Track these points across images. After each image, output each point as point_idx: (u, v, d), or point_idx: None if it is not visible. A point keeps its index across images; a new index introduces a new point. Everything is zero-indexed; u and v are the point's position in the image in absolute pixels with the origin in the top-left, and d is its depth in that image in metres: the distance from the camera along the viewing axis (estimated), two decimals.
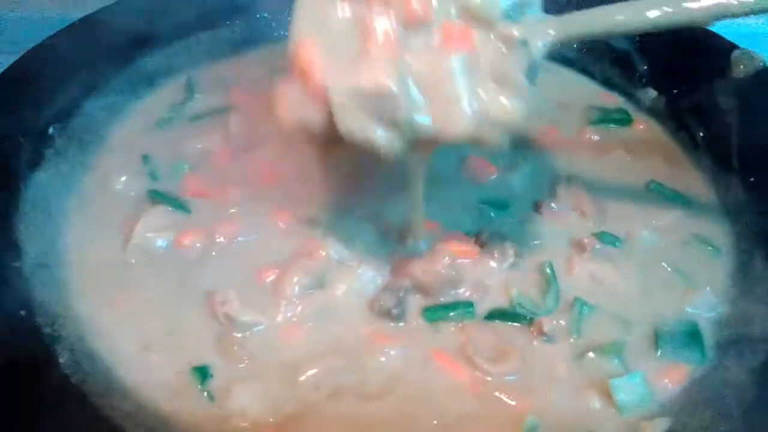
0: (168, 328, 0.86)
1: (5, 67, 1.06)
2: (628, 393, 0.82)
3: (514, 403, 0.82)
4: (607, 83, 1.38)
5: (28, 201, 0.97)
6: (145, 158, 1.10)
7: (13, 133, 1.02)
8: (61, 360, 0.79)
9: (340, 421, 0.79)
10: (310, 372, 0.83)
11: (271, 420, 0.78)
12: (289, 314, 0.88)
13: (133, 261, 0.94)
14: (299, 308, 0.89)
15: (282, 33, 1.40)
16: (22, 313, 0.82)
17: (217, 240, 0.96)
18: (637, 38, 1.35)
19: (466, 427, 0.80)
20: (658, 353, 0.88)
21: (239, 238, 0.97)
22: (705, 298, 0.95)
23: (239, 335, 0.86)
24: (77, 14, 1.20)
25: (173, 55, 1.30)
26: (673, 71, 1.30)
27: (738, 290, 0.98)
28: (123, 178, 1.06)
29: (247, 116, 1.17)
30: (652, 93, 1.33)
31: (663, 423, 0.80)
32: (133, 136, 1.15)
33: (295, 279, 0.89)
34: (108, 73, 1.20)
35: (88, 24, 1.18)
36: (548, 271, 0.94)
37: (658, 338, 0.89)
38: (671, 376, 0.86)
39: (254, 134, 1.13)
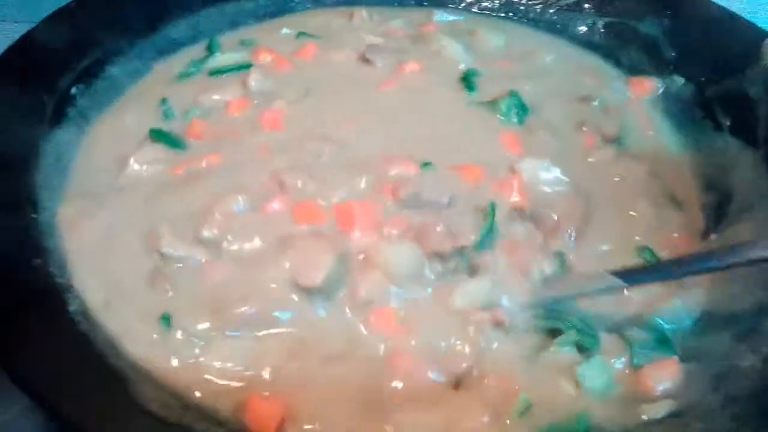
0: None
1: None
2: (594, 378, 0.81)
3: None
4: (634, 69, 1.36)
5: (48, 157, 0.98)
6: (163, 101, 1.12)
7: (36, 92, 1.03)
8: (70, 308, 0.80)
9: None
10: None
11: None
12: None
13: (124, 188, 0.97)
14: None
15: (307, 6, 1.42)
16: (38, 261, 0.84)
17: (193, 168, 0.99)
18: (666, 24, 1.33)
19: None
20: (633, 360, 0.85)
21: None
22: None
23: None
24: None
25: (197, 24, 1.30)
26: (702, 59, 1.27)
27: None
28: (134, 117, 1.09)
29: (269, 72, 1.19)
30: (679, 80, 1.30)
31: (666, 405, 0.79)
32: (153, 86, 1.18)
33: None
34: (132, 39, 1.21)
35: None
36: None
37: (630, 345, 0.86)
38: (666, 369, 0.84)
39: (272, 90, 1.14)
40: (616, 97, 1.28)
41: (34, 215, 0.90)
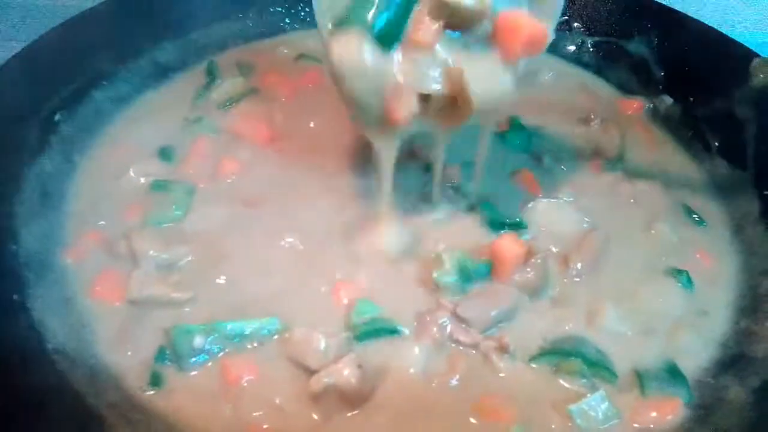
0: None
1: None
2: (588, 417, 0.80)
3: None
4: (623, 88, 1.36)
5: (29, 185, 0.97)
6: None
7: (19, 118, 1.02)
8: (48, 346, 0.79)
9: None
10: None
11: None
12: None
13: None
14: None
15: (295, 26, 1.41)
16: (15, 297, 0.83)
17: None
18: (655, 43, 1.33)
19: None
20: (643, 391, 0.84)
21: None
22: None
23: None
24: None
25: (186, 46, 1.29)
26: (691, 79, 1.27)
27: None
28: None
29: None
30: (668, 100, 1.30)
31: None
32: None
33: None
34: (118, 63, 1.20)
35: (98, 14, 1.18)
36: None
37: (641, 378, 0.85)
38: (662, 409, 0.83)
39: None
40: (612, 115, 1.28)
41: (14, 246, 0.88)
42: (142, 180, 1.03)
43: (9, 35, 1.43)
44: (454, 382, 0.82)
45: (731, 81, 1.17)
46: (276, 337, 0.83)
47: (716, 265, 1.02)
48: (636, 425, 0.81)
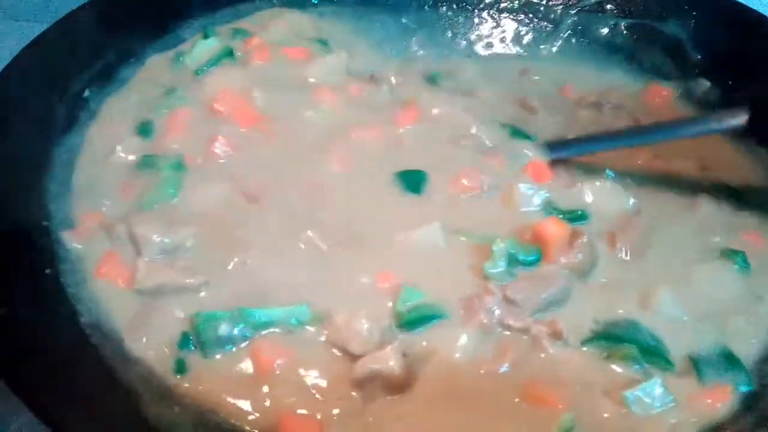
0: None
1: None
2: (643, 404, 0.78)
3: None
4: (657, 72, 1.32)
5: (60, 162, 0.97)
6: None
7: (49, 94, 1.01)
8: (82, 319, 0.78)
9: None
10: None
11: None
12: None
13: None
14: None
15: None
16: (48, 271, 0.82)
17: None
18: (691, 25, 1.29)
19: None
20: (701, 378, 0.82)
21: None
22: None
23: None
24: None
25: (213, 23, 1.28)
26: (730, 61, 1.23)
27: None
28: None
29: None
30: (704, 84, 1.27)
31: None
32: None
33: None
34: (144, 40, 1.19)
35: None
36: None
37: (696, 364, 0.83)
38: (715, 398, 0.81)
39: None
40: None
41: (45, 223, 0.88)
42: (130, 158, 0.99)
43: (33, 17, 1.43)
44: (502, 369, 0.79)
45: None
46: (308, 326, 0.81)
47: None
48: (690, 412, 0.78)
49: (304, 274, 0.86)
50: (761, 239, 1.00)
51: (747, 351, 0.86)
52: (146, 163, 0.98)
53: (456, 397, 0.77)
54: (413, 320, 0.82)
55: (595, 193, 1.01)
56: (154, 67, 1.17)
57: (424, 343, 0.81)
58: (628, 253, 0.94)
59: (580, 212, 0.98)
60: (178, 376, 0.76)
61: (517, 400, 0.77)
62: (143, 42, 1.18)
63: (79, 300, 0.81)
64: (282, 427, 0.73)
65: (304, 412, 0.74)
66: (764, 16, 1.22)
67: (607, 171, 1.06)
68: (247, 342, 0.79)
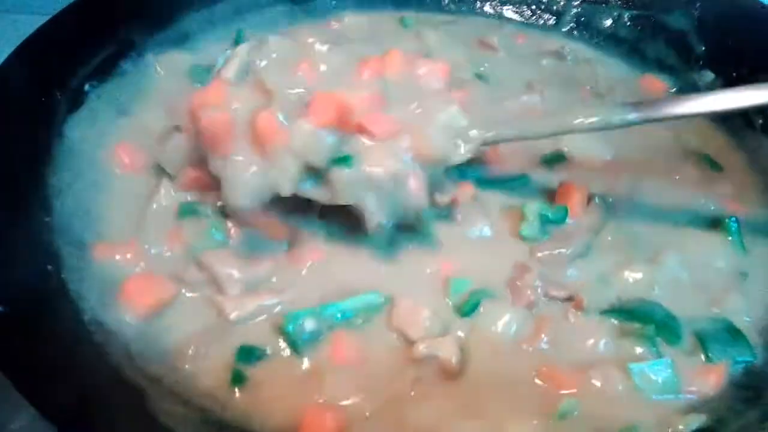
0: None
1: None
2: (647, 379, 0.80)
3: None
4: (660, 64, 1.32)
5: (61, 156, 0.96)
6: None
7: (49, 88, 1.00)
8: (85, 317, 0.78)
9: None
10: None
11: None
12: None
13: None
14: None
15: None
16: (49, 268, 0.81)
17: None
18: (696, 17, 1.28)
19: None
20: (708, 354, 0.84)
21: None
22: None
23: None
24: None
25: (212, 17, 1.27)
26: (734, 53, 1.23)
27: None
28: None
29: None
30: (708, 75, 1.26)
31: (697, 419, 0.76)
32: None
33: None
34: (146, 33, 1.18)
35: None
36: None
37: (702, 340, 0.85)
38: (710, 376, 0.82)
39: None
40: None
41: (47, 219, 0.87)
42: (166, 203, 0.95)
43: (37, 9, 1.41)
44: (542, 344, 0.83)
45: None
46: (379, 313, 0.84)
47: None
48: (689, 394, 0.80)
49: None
50: (740, 207, 1.04)
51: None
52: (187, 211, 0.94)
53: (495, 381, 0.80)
54: (467, 308, 0.85)
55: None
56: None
57: (478, 327, 0.84)
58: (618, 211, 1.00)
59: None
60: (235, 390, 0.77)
61: (536, 380, 0.81)
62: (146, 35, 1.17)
63: (82, 296, 0.80)
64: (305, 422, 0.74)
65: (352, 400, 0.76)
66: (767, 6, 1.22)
67: None
68: (324, 336, 0.81)
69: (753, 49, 1.20)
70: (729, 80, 1.22)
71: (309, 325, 0.80)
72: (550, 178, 1.04)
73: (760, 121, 1.17)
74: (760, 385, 0.82)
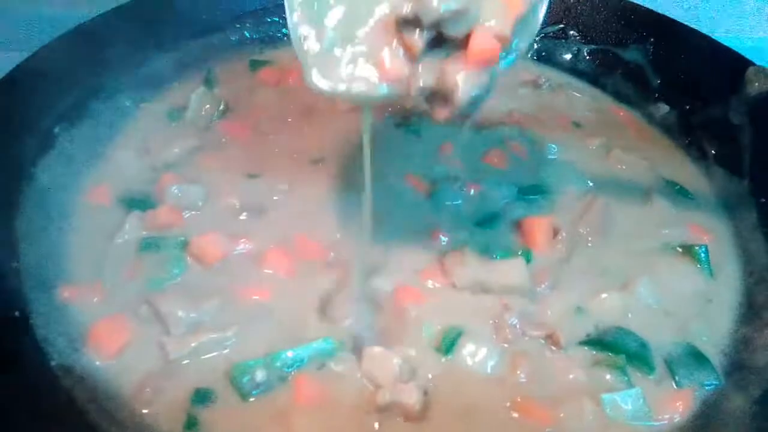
0: None
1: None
2: (618, 409, 0.82)
3: None
4: (618, 96, 1.37)
5: (30, 200, 0.96)
6: None
7: (18, 131, 1.01)
8: (52, 363, 0.78)
9: None
10: None
11: None
12: None
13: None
14: None
15: None
16: (17, 314, 0.82)
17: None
18: (651, 52, 1.34)
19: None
20: (676, 380, 0.87)
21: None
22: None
23: None
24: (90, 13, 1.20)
25: (182, 58, 1.29)
26: (687, 86, 1.28)
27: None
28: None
29: None
30: (664, 108, 1.31)
31: None
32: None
33: None
34: (116, 74, 1.20)
35: (95, 26, 1.17)
36: None
37: (671, 367, 0.88)
38: (678, 402, 0.85)
39: None
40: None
41: (15, 264, 0.88)
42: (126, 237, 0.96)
43: (12, 46, 1.42)
44: (522, 379, 0.84)
45: (727, 89, 1.19)
46: (338, 355, 0.84)
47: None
48: (659, 422, 0.83)
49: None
50: (707, 234, 1.08)
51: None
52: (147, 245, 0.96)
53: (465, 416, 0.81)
54: (446, 346, 0.86)
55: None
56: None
57: (454, 364, 0.85)
58: (590, 240, 1.03)
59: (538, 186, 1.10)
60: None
61: (512, 413, 0.82)
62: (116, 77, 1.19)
63: (49, 342, 0.81)
64: None
65: None
66: (719, 42, 1.27)
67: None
68: (285, 381, 0.81)
69: (705, 82, 1.25)
70: (683, 112, 1.27)
71: (260, 375, 0.80)
72: (524, 210, 1.06)
73: (713, 151, 1.21)
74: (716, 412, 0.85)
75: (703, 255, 1.02)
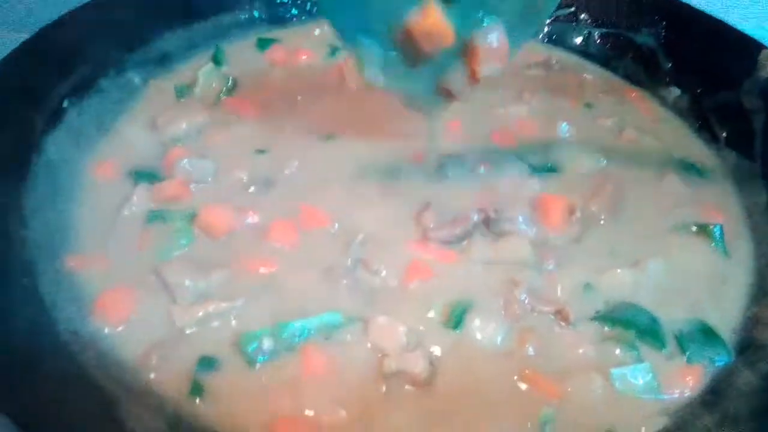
0: None
1: None
2: (627, 383, 0.82)
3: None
4: (630, 79, 1.36)
5: (38, 172, 0.96)
6: None
7: (27, 106, 1.02)
8: (59, 328, 0.79)
9: None
10: None
11: None
12: None
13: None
14: None
15: (303, 18, 1.40)
16: (25, 281, 0.82)
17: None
18: (662, 35, 1.32)
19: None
20: (687, 355, 0.87)
21: None
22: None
23: None
24: None
25: (192, 37, 1.29)
26: (699, 70, 1.27)
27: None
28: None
29: None
30: (675, 91, 1.30)
31: (659, 421, 0.79)
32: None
33: None
34: (125, 51, 1.20)
35: (106, 2, 1.18)
36: None
37: (682, 343, 0.88)
38: (687, 377, 0.85)
39: None
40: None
41: (23, 232, 0.88)
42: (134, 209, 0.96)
43: (16, 27, 1.43)
44: (530, 352, 0.84)
45: (739, 72, 1.18)
46: (345, 327, 0.84)
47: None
48: (668, 396, 0.83)
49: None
50: (720, 215, 1.07)
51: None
52: (155, 217, 0.96)
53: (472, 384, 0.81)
54: (455, 321, 0.86)
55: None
56: None
57: (463, 339, 0.85)
58: (602, 218, 1.03)
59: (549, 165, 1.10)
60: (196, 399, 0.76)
61: (520, 384, 0.82)
62: (124, 54, 1.19)
63: (58, 308, 0.81)
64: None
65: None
66: (732, 27, 1.26)
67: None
68: (293, 351, 0.81)
69: (718, 65, 1.24)
70: (695, 96, 1.26)
71: (267, 343, 0.80)
72: (538, 187, 1.06)
73: (725, 135, 1.20)
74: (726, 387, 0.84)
75: (718, 234, 1.01)
